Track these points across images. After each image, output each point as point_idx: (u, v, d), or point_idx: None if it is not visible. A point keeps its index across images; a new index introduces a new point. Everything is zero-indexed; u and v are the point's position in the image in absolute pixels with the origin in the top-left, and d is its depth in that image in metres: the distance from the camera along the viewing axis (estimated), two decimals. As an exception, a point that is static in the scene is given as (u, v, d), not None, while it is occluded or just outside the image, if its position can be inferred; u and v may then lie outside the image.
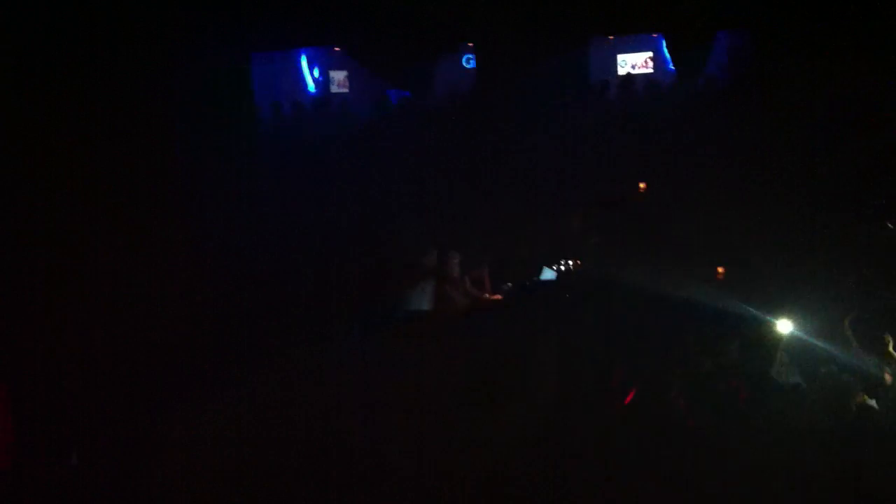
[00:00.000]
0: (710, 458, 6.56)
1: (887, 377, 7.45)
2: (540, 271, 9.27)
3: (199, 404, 6.64)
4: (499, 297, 9.06)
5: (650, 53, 16.69)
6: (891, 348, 7.35)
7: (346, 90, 16.72)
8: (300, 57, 16.53)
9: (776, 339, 7.74)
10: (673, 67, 15.03)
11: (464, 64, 16.33)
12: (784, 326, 7.79)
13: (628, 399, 7.18)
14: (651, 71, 16.59)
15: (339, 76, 16.76)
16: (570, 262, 9.34)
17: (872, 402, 7.27)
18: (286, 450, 6.50)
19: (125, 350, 6.91)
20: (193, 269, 7.55)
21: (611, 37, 16.01)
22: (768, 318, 7.86)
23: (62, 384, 6.59)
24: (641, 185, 10.82)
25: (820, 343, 7.67)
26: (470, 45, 15.20)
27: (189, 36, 8.61)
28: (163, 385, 6.75)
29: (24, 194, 6.92)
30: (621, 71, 16.50)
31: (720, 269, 9.07)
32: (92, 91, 7.26)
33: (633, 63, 16.72)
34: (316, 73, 16.77)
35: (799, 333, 7.78)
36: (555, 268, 9.26)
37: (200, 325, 7.26)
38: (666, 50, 15.43)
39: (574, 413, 7.07)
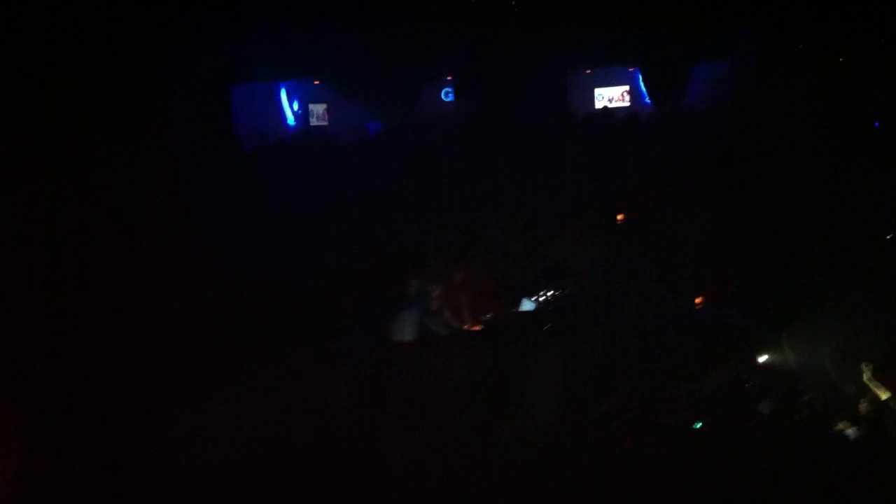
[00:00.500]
0: (687, 490, 6.56)
1: (862, 407, 7.49)
2: (519, 302, 9.28)
3: (197, 407, 6.62)
4: (478, 327, 9.06)
5: (627, 87, 16.91)
6: (866, 378, 7.38)
7: (325, 123, 16.79)
8: (280, 90, 16.60)
9: (759, 367, 7.79)
10: (649, 100, 15.23)
11: (442, 97, 16.46)
12: (766, 354, 7.84)
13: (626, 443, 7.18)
14: (628, 104, 16.79)
15: (318, 109, 16.85)
16: (549, 294, 9.35)
17: (850, 431, 7.31)
18: (285, 456, 6.49)
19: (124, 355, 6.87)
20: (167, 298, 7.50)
21: (587, 70, 16.21)
22: (751, 346, 7.91)
23: (61, 384, 6.53)
24: (619, 217, 10.90)
25: (801, 371, 7.71)
26: (449, 78, 15.34)
27: (166, 65, 8.62)
28: (160, 389, 6.70)
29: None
30: (598, 104, 16.69)
31: (698, 300, 9.12)
32: (70, 115, 7.22)
33: (611, 97, 16.93)
34: (295, 105, 16.84)
35: (780, 361, 7.83)
36: (533, 299, 9.27)
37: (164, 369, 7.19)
38: (642, 83, 15.63)
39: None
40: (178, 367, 6.97)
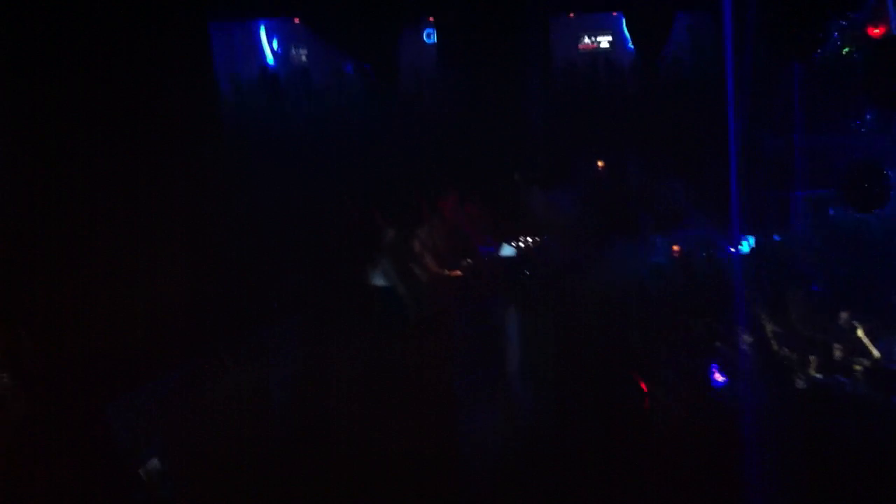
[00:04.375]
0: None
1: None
2: (499, 247, 9.35)
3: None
4: (458, 272, 9.13)
5: (610, 33, 16.75)
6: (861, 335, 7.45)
7: (305, 63, 16.55)
8: (259, 28, 16.32)
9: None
10: (632, 46, 15.11)
11: (424, 39, 16.24)
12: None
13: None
14: (610, 48, 16.65)
15: (298, 49, 16.60)
16: (530, 239, 9.42)
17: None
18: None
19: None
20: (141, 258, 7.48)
21: (571, 14, 16.04)
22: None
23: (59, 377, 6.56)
24: (600, 163, 10.94)
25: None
26: (431, 19, 15.12)
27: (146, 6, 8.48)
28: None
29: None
30: (582, 48, 16.53)
31: (675, 248, 9.23)
32: (43, 70, 7.11)
33: (594, 42, 16.76)
34: (275, 44, 16.56)
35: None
36: (514, 244, 9.34)
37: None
38: (626, 29, 15.51)
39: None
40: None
